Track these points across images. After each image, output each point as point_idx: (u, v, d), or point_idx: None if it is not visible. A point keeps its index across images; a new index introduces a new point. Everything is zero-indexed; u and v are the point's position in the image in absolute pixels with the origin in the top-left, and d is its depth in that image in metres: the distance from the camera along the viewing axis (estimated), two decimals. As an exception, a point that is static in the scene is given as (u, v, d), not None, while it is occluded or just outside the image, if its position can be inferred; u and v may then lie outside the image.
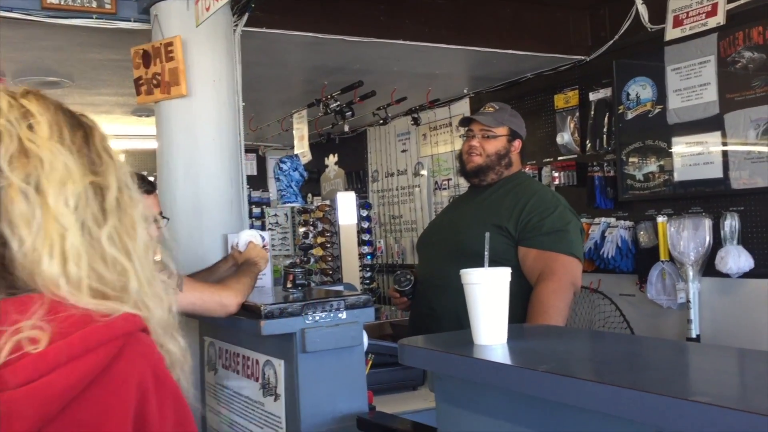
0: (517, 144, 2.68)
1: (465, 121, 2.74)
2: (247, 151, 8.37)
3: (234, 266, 2.47)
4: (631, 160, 4.12)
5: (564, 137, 4.63)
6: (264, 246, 2.53)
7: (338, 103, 4.83)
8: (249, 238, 2.51)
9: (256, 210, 8.08)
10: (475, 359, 1.23)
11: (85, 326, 0.76)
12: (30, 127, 0.83)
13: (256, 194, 8.22)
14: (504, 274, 1.33)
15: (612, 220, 4.26)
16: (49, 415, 0.72)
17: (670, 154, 3.89)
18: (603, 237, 4.22)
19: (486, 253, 1.39)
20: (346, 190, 5.13)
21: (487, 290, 1.31)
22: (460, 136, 5.25)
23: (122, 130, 7.01)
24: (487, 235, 1.41)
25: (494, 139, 2.64)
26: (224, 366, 2.51)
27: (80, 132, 0.88)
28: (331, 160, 5.53)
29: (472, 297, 1.33)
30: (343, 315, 2.07)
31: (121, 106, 5.74)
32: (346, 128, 5.33)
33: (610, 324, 4.24)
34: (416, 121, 5.54)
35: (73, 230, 0.80)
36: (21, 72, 4.45)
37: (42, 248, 0.78)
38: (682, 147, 3.83)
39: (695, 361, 1.16)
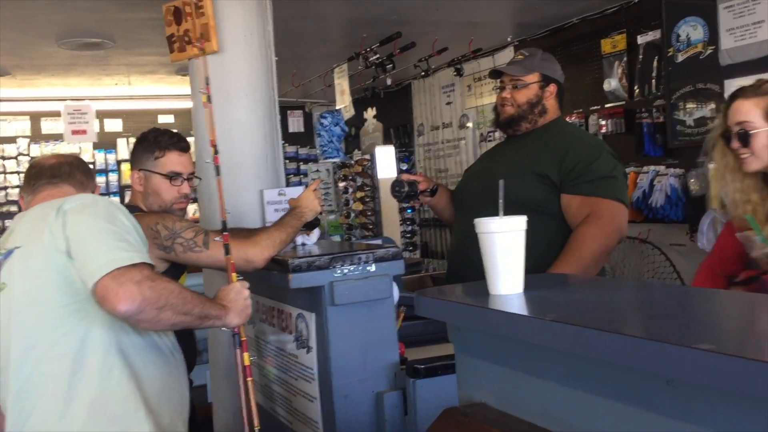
0: (552, 89, 2.59)
1: (495, 74, 2.67)
2: (293, 108, 8.40)
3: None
4: (681, 105, 3.96)
5: (611, 83, 4.47)
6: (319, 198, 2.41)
7: (378, 56, 4.76)
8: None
9: (304, 167, 8.13)
10: (486, 309, 1.20)
11: None
12: None
13: (303, 151, 8.26)
14: (519, 222, 1.29)
15: (661, 168, 4.12)
16: None
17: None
18: (651, 186, 4.09)
19: (501, 201, 1.35)
20: (390, 144, 5.08)
21: (503, 239, 1.27)
22: (493, 89, 5.14)
23: (167, 91, 7.09)
24: (502, 182, 1.36)
25: (524, 88, 2.56)
26: (261, 319, 2.54)
27: None
28: (370, 114, 5.49)
29: (488, 246, 1.30)
30: (372, 268, 2.06)
31: (165, 65, 5.78)
32: (389, 82, 5.26)
33: (660, 275, 4.13)
34: (459, 72, 5.42)
35: None
36: (64, 34, 4.51)
37: None
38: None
39: (714, 309, 1.11)
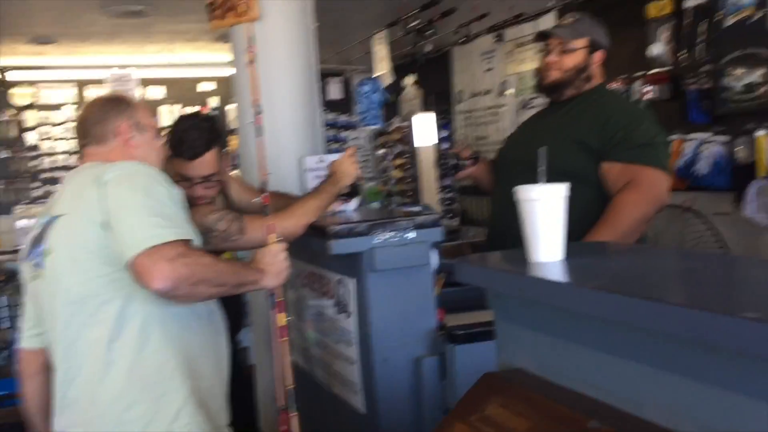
0: (599, 55, 2.54)
1: (541, 36, 2.62)
2: (333, 74, 8.38)
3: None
4: (729, 70, 3.85)
5: (656, 49, 4.36)
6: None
7: (418, 21, 4.72)
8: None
9: (343, 134, 8.13)
10: (527, 277, 1.21)
11: None
12: None
13: (343, 118, 8.26)
14: (561, 190, 1.28)
15: (707, 135, 4.02)
16: None
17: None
18: (696, 153, 4.01)
19: (541, 168, 1.34)
20: (428, 111, 5.06)
21: (543, 207, 1.27)
22: (538, 52, 5.04)
23: (209, 58, 7.13)
24: (543, 149, 1.35)
25: (572, 53, 2.51)
26: (302, 284, 2.59)
27: None
28: (409, 80, 5.45)
29: (528, 214, 1.30)
30: (411, 235, 2.08)
31: (207, 33, 5.82)
32: (429, 48, 5.22)
33: (703, 244, 4.06)
34: (500, 38, 5.35)
35: None
36: (108, 1, 4.56)
37: None
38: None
39: (759, 277, 1.10)
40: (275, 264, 1.85)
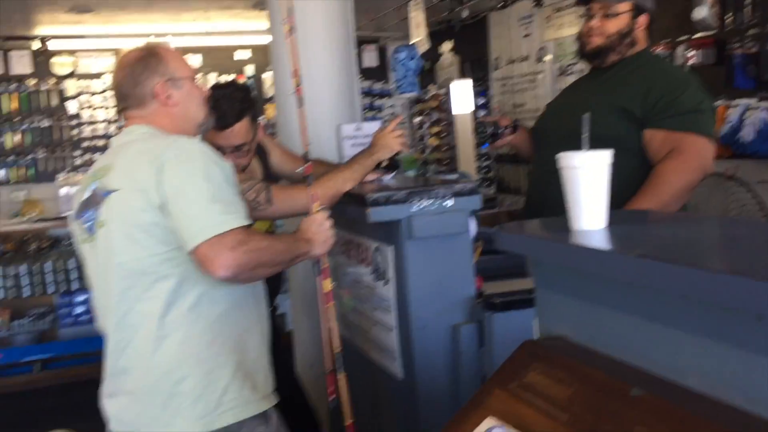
0: (643, 19, 2.48)
1: (583, 1, 2.56)
2: (368, 42, 8.31)
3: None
4: (777, 34, 3.73)
5: (701, 12, 4.23)
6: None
7: (455, -15, 4.65)
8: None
9: (378, 102, 8.10)
10: (571, 245, 1.20)
11: None
12: None
13: (378, 86, 8.21)
14: (605, 157, 1.27)
15: (753, 101, 3.91)
16: None
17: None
18: (741, 120, 3.91)
19: (585, 135, 1.32)
20: (465, 78, 5.01)
21: (587, 174, 1.26)
22: (579, 17, 4.94)
23: (245, 26, 7.13)
24: (587, 116, 1.33)
25: (615, 18, 2.45)
26: (339, 252, 2.61)
27: None
28: (446, 47, 5.39)
29: (571, 181, 1.28)
30: (449, 202, 2.07)
31: (243, 0, 5.82)
32: (465, 14, 5.14)
33: (747, 212, 3.98)
34: (538, 3, 5.25)
35: None
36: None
37: None
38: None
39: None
40: (321, 232, 1.91)
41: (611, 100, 2.42)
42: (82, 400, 4.49)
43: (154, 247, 1.65)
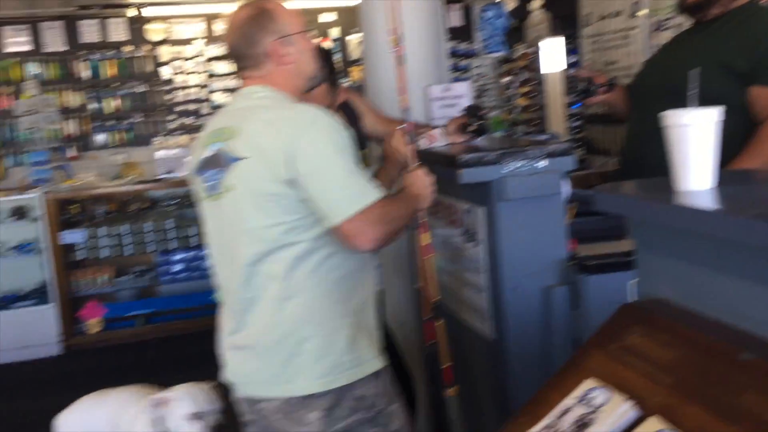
0: (749, -33, 2.34)
1: None
2: (452, 1, 8.17)
3: None
4: None
5: (815, -42, 3.94)
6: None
7: (545, -60, 4.49)
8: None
9: (463, 62, 7.97)
10: (679, 205, 1.16)
11: None
12: None
13: (463, 46, 8.08)
14: (714, 114, 1.22)
15: None
16: None
17: None
18: None
19: (692, 92, 1.27)
20: (555, 35, 4.86)
21: (696, 132, 1.21)
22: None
23: (331, -12, 7.12)
24: (695, 71, 1.28)
25: None
26: (428, 213, 2.61)
27: None
28: (536, 4, 5.23)
29: (678, 140, 1.24)
30: (543, 163, 2.04)
31: (328, -38, 5.79)
32: (555, -32, 4.97)
33: None
34: (634, -46, 5.00)
35: None
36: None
37: None
38: None
39: None
40: (426, 187, 1.97)
41: (714, 56, 2.31)
42: (180, 353, 4.73)
43: (281, 216, 1.69)
